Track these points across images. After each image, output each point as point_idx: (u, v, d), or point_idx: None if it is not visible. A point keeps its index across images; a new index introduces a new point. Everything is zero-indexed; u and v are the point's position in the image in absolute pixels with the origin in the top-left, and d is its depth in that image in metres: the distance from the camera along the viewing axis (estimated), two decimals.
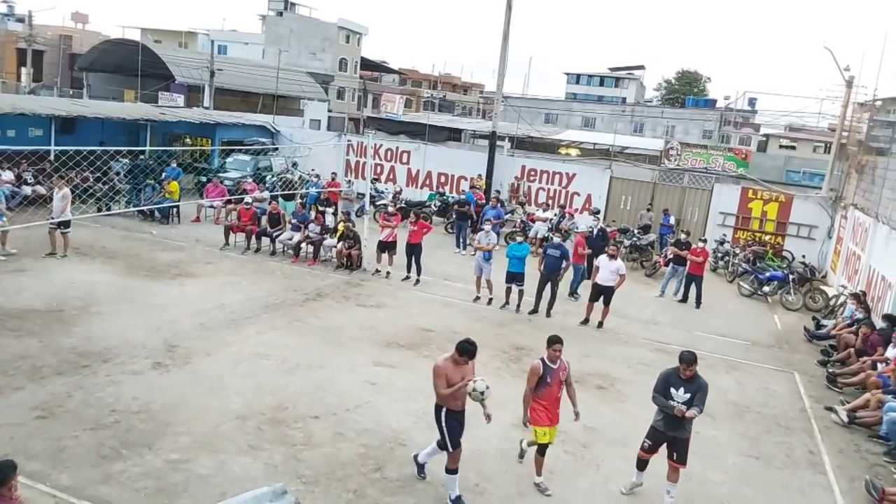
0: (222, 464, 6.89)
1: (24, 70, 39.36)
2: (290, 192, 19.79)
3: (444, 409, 6.56)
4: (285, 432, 7.67)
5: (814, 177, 31.75)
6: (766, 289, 16.65)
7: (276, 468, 6.92)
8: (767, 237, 20.64)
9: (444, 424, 6.55)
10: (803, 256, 19.28)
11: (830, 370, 11.69)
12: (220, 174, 21.93)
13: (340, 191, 20.61)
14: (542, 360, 6.99)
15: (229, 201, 18.22)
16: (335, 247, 15.48)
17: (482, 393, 6.45)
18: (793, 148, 57.14)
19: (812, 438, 9.11)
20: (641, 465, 7.20)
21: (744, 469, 8.06)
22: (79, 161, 15.22)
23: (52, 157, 19.07)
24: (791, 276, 16.67)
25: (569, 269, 13.48)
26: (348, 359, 10.00)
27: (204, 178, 21.65)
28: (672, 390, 6.91)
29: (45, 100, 26.97)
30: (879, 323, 12.26)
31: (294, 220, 16.22)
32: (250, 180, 21.00)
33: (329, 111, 46.89)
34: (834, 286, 17.64)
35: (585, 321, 13.01)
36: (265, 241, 16.20)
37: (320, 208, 17.71)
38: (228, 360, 9.53)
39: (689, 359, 6.97)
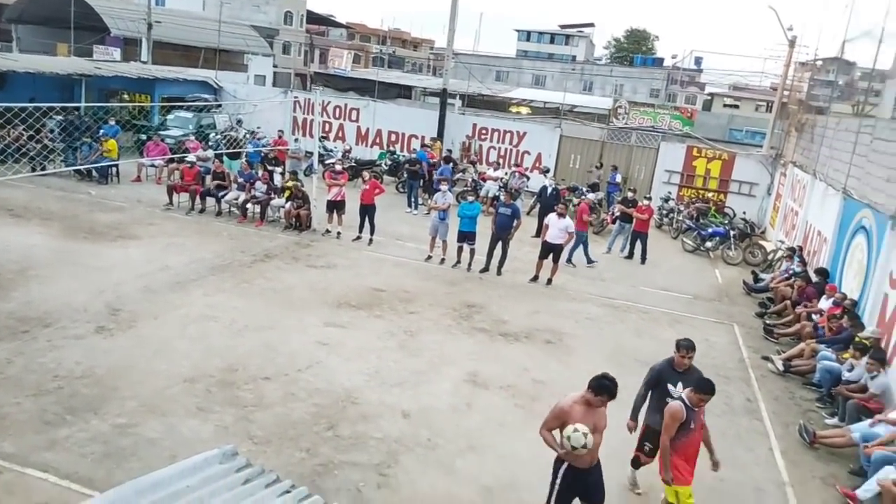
0: (171, 427, 6.81)
1: None
2: (236, 150, 19.25)
3: (564, 465, 5.26)
4: (235, 394, 7.62)
5: (755, 135, 32.54)
6: (708, 244, 17.18)
7: (227, 429, 6.88)
8: (710, 194, 21.19)
9: (557, 481, 5.29)
10: (744, 213, 19.94)
11: (767, 322, 12.22)
12: (161, 132, 21.12)
13: (287, 149, 20.16)
14: (682, 400, 5.61)
15: (171, 160, 17.61)
16: (283, 207, 15.20)
17: (584, 446, 5.02)
18: (736, 107, 58.43)
19: (749, 387, 9.55)
20: (637, 463, 6.73)
21: None
22: (9, 119, 14.36)
23: None
24: (732, 232, 17.23)
25: (519, 228, 13.56)
26: (298, 319, 9.93)
27: (144, 136, 20.85)
28: (669, 387, 6.19)
29: None
30: (815, 276, 12.82)
31: (240, 180, 15.82)
32: (193, 138, 20.31)
33: (274, 66, 45.41)
34: (772, 241, 18.32)
35: (535, 278, 13.20)
36: (210, 201, 15.77)
37: (268, 167, 17.30)
38: (175, 323, 9.34)
39: (686, 345, 6.22)
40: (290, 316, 10.05)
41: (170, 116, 22.77)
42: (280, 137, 20.85)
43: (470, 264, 13.44)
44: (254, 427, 6.99)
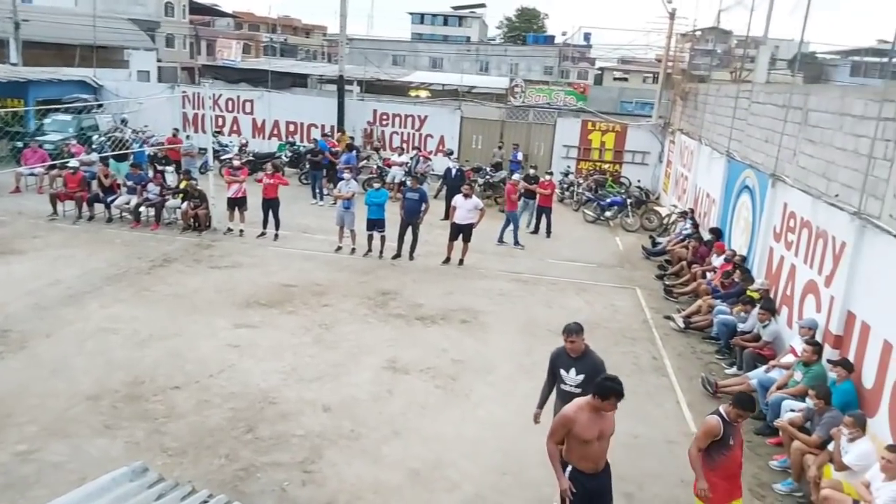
0: (77, 448, 6.44)
1: None
2: (123, 152, 18.19)
3: (570, 466, 5.10)
4: (145, 407, 7.28)
5: (645, 106, 34.03)
6: (607, 214, 17.89)
7: (139, 445, 6.58)
8: (607, 166, 22.04)
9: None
10: (639, 181, 20.89)
11: (666, 283, 12.90)
12: (39, 138, 19.65)
13: (180, 147, 19.26)
14: (720, 413, 5.23)
15: (53, 167, 16.43)
16: (179, 208, 14.55)
17: None
18: (625, 80, 60.74)
19: (654, 346, 10.07)
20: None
21: None
22: None
23: None
24: (629, 201, 18.03)
25: (428, 212, 13.59)
26: (206, 324, 9.58)
27: (20, 144, 19.33)
28: (562, 372, 5.89)
29: None
30: (707, 236, 13.61)
31: (129, 183, 14.98)
32: (75, 142, 19.02)
33: (158, 61, 43.14)
34: (666, 206, 19.28)
35: (447, 260, 13.31)
36: (99, 207, 14.86)
37: (158, 167, 16.47)
38: (71, 340, 8.79)
39: (571, 328, 5.77)
40: (197, 321, 9.68)
41: (47, 120, 21.19)
42: (175, 136, 19.89)
43: (381, 252, 13.38)
44: (167, 439, 6.71)
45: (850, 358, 7.20)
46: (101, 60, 34.17)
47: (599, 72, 62.89)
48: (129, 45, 39.64)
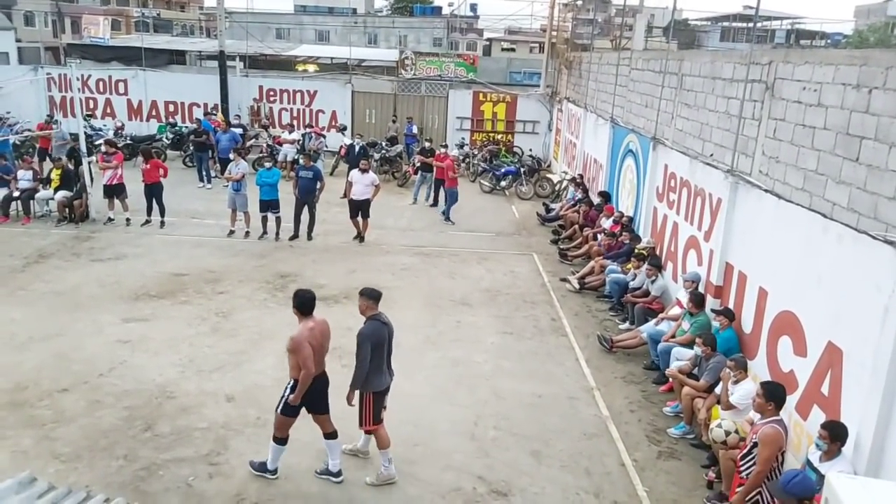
0: None
1: None
2: None
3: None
4: (30, 413, 6.78)
5: (533, 76, 34.66)
6: (502, 184, 18.24)
7: (27, 454, 6.13)
8: (499, 136, 22.39)
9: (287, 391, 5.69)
10: (530, 150, 21.37)
11: (561, 247, 13.36)
12: None
13: (49, 134, 17.78)
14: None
15: None
16: (52, 199, 13.48)
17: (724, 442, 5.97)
18: (513, 50, 61.68)
19: (553, 308, 10.43)
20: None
21: (501, 345, 9.00)
22: None
23: None
24: (522, 170, 18.45)
25: (324, 189, 13.30)
26: (92, 321, 8.99)
27: None
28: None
29: None
30: (596, 200, 14.16)
31: None
32: None
33: (18, 41, 39.52)
34: (557, 173, 19.89)
35: (357, 236, 13.17)
36: None
37: (27, 157, 15.17)
38: None
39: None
40: (81, 318, 9.06)
41: None
42: (49, 122, 18.29)
43: (277, 233, 13.02)
44: (58, 445, 6.29)
45: (730, 306, 7.76)
46: None
47: (488, 43, 63.45)
48: None
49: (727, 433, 6.01)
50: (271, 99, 22.58)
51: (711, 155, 8.99)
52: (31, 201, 13.53)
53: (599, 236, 12.57)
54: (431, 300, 10.39)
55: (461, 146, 21.25)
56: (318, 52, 37.25)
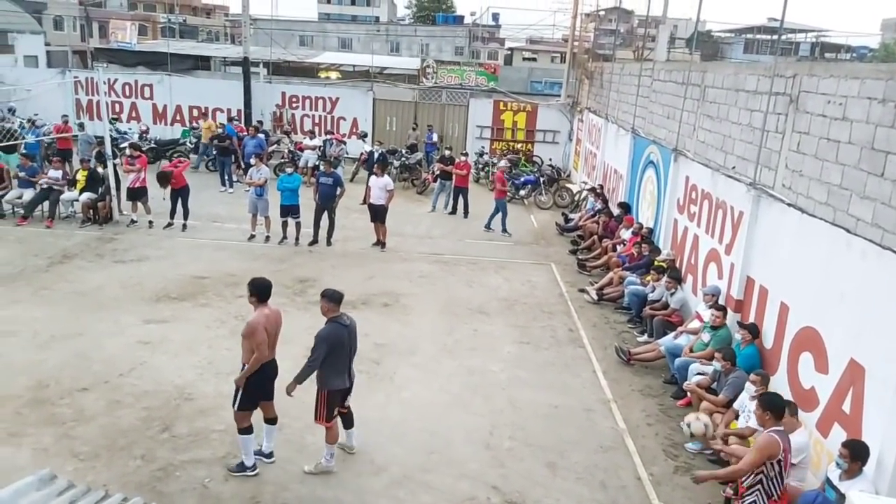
0: None
1: None
2: (11, 142, 16.90)
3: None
4: (51, 411, 6.88)
5: (554, 85, 34.66)
6: (522, 192, 18.22)
7: (47, 451, 6.22)
8: (519, 145, 22.39)
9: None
10: (550, 160, 21.35)
11: (580, 257, 13.31)
12: None
13: (74, 136, 18.09)
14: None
15: None
16: (77, 200, 13.70)
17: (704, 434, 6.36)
18: (534, 60, 61.74)
19: (570, 318, 10.39)
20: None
21: (518, 355, 8.97)
22: None
23: None
24: (542, 179, 18.43)
25: (343, 195, 13.40)
26: (113, 321, 9.11)
27: None
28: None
29: None
30: (616, 210, 14.11)
31: (22, 175, 13.95)
32: None
33: (47, 45, 40.29)
34: (577, 183, 19.84)
35: (377, 243, 13.25)
36: None
37: (53, 158, 15.42)
38: None
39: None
40: (103, 318, 9.19)
41: None
42: (65, 123, 18.61)
43: (297, 238, 13.11)
44: (77, 443, 6.37)
45: (751, 320, 7.67)
46: None
47: (509, 52, 63.61)
48: (14, 28, 36.88)
49: (706, 426, 6.32)
50: (294, 105, 22.79)
51: (734, 167, 8.92)
52: (57, 203, 13.74)
53: (619, 247, 12.51)
54: (449, 308, 10.40)
55: (481, 154, 21.28)
56: (340, 59, 37.60)
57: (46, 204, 13.59)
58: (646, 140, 13.26)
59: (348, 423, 6.46)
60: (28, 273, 10.78)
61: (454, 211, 16.36)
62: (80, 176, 13.77)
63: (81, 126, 19.02)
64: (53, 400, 7.10)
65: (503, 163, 17.22)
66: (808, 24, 49.58)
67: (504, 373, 8.43)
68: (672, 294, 9.65)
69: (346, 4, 73.59)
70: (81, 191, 13.66)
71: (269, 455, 6.27)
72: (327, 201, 12.94)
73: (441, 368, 8.39)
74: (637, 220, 13.04)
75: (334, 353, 5.92)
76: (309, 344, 6.08)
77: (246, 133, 18.38)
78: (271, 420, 6.27)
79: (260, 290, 6.08)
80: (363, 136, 20.82)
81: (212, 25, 69.59)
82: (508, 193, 16.60)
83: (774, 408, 5.22)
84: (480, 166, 20.75)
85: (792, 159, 7.39)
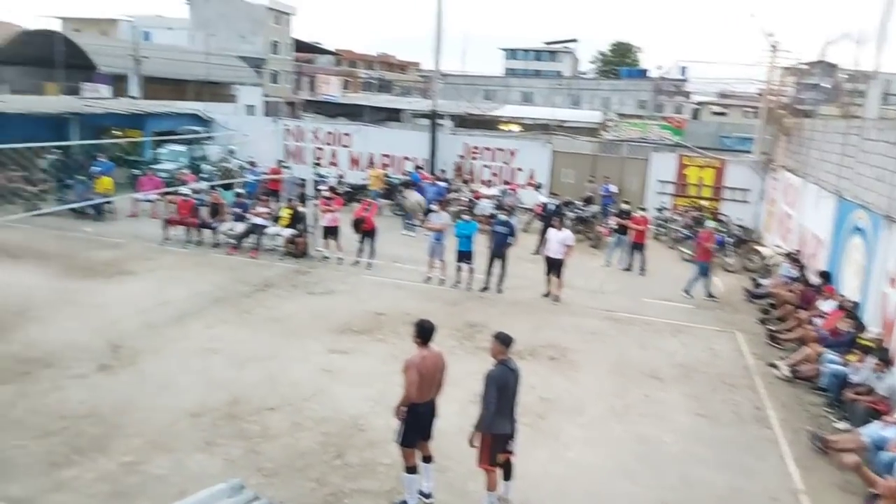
0: (178, 462, 6.75)
1: None
2: (229, 181, 19.27)
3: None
4: (241, 426, 7.55)
5: (745, 141, 32.79)
6: None
7: (235, 463, 6.82)
8: (705, 202, 21.27)
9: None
10: (739, 219, 19.99)
11: (770, 327, 12.19)
12: (154, 166, 21.17)
13: (282, 178, 20.18)
14: None
15: (166, 193, 17.61)
16: (280, 234, 15.19)
17: None
18: (724, 114, 58.90)
19: (756, 394, 9.50)
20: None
21: (693, 428, 8.36)
22: (1, 161, 14.44)
23: None
24: (729, 240, 17.28)
25: (516, 244, 13.57)
26: (301, 348, 9.89)
27: (137, 172, 20.89)
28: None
29: None
30: (815, 279, 12.84)
31: (236, 210, 15.82)
32: (187, 171, 20.33)
33: (264, 96, 45.76)
34: (769, 246, 18.35)
35: (547, 294, 13.22)
36: (206, 233, 15.75)
37: (263, 197, 17.33)
38: (177, 357, 9.29)
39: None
40: (292, 344, 10.00)
41: (162, 150, 22.83)
42: (280, 166, 20.81)
43: (469, 283, 13.43)
44: (261, 459, 6.92)
45: None
46: (212, 95, 36.69)
47: (697, 106, 61.32)
48: (238, 80, 42.32)
49: None
50: (474, 155, 23.64)
51: None
52: (262, 236, 15.34)
53: (817, 320, 11.32)
54: (619, 369, 10.00)
55: (661, 210, 20.53)
56: (521, 112, 38.57)
57: (254, 237, 15.24)
58: (852, 203, 12.00)
59: (507, 473, 6.40)
60: (234, 297, 12.07)
61: (629, 267, 15.85)
62: (285, 213, 15.30)
63: (288, 169, 21.20)
64: (244, 416, 7.79)
65: (711, 223, 16.11)
66: None
67: (677, 445, 7.88)
68: (879, 378, 8.51)
69: (530, 59, 75.69)
70: (285, 227, 15.13)
71: (429, 496, 6.36)
72: (500, 249, 13.17)
73: (608, 432, 8.05)
74: (839, 291, 11.75)
75: (500, 396, 5.97)
76: (474, 388, 6.15)
77: (431, 181, 19.33)
78: (427, 458, 6.41)
79: (423, 332, 6.35)
80: (538, 187, 21.01)
81: (405, 80, 74.84)
82: (713, 257, 14.62)
83: None
84: (660, 222, 20.00)
85: None
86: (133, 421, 7.49)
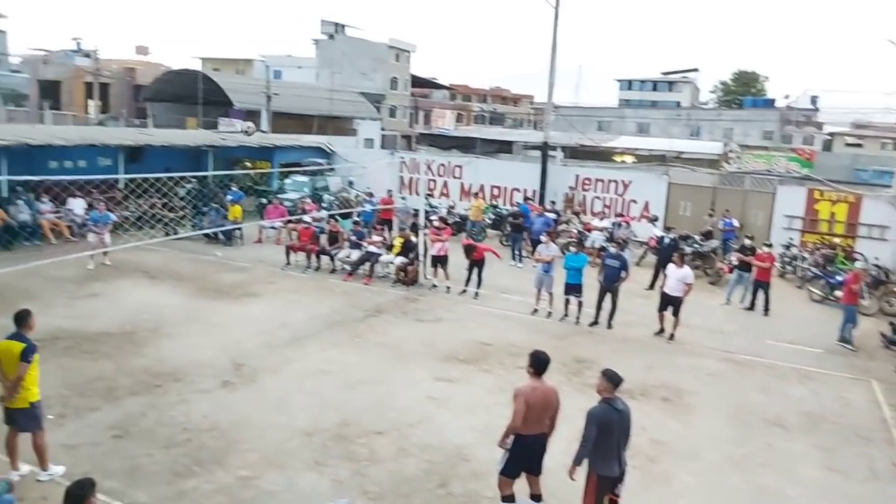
0: (290, 480, 7.02)
1: (91, 102, 41.33)
2: (347, 210, 20.14)
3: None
4: (350, 448, 7.76)
5: (883, 175, 30.26)
6: (837, 293, 15.90)
7: (342, 483, 7.00)
8: (837, 239, 19.78)
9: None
10: (876, 258, 18.37)
11: None
12: (280, 195, 22.50)
13: (395, 207, 20.84)
14: None
15: (289, 221, 18.66)
16: (392, 262, 15.64)
17: None
18: (860, 146, 54.75)
19: (894, 449, 8.64)
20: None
21: (822, 483, 7.70)
22: (146, 188, 15.85)
23: (120, 185, 19.95)
24: (864, 280, 15.90)
25: (628, 279, 13.19)
26: (409, 374, 10.07)
27: (264, 200, 22.29)
28: None
29: (113, 131, 28.18)
30: None
31: (352, 238, 16.48)
32: (309, 200, 21.46)
33: (382, 129, 47.66)
34: None
35: (661, 331, 12.76)
36: (325, 259, 16.51)
37: (377, 226, 17.98)
38: (293, 377, 9.72)
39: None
40: (401, 370, 10.21)
41: (287, 181, 24.25)
42: (390, 196, 21.53)
43: (578, 317, 13.18)
44: (368, 482, 7.07)
45: None
46: (335, 128, 38.70)
47: (829, 137, 57.48)
48: (359, 115, 44.37)
49: None
50: (586, 187, 23.34)
51: None
52: (376, 264, 15.86)
53: None
54: (738, 415, 9.41)
55: (788, 247, 19.29)
56: (636, 143, 37.76)
57: (368, 264, 15.79)
58: None
59: None
60: (348, 322, 12.51)
61: (752, 306, 14.96)
62: (397, 242, 15.76)
63: (403, 199, 21.87)
64: (353, 438, 8.00)
65: (860, 264, 14.81)
66: None
67: (803, 499, 7.29)
68: None
69: (647, 90, 74.10)
70: (397, 255, 15.58)
71: None
72: (611, 283, 12.85)
73: (726, 481, 7.57)
74: None
75: (602, 435, 5.81)
76: (581, 426, 6.00)
77: (539, 212, 19.27)
78: (536, 497, 6.32)
79: (537, 363, 6.29)
80: (653, 220, 20.38)
81: (517, 113, 75.47)
82: (860, 301, 13.60)
83: None
84: (787, 259, 18.78)
85: None
86: (250, 436, 7.89)
